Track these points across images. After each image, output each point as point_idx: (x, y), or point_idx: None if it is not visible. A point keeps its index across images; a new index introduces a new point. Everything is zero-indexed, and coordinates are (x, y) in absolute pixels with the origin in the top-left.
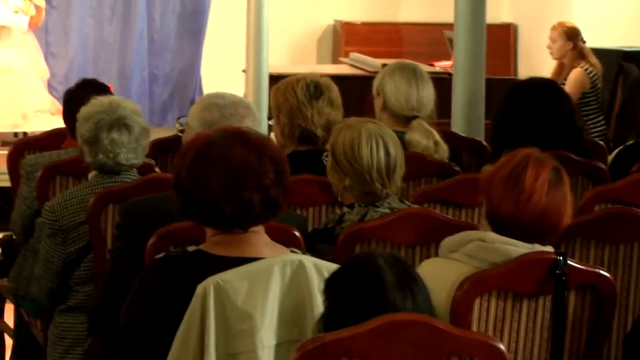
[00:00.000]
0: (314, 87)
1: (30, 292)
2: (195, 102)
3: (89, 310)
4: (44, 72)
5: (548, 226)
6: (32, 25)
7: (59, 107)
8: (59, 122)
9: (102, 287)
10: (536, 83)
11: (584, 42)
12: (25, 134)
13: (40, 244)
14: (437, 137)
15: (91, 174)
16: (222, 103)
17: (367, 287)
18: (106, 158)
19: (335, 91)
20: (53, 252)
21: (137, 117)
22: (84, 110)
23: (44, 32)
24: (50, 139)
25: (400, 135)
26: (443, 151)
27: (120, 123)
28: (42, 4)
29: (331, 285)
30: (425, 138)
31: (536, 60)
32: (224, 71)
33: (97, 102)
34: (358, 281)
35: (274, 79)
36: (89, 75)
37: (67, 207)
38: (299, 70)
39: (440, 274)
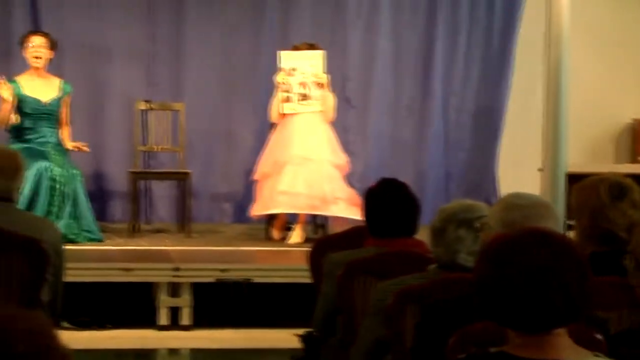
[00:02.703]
0: (617, 189)
1: None
2: (490, 201)
3: None
4: (344, 164)
5: None
6: (327, 120)
7: (357, 200)
8: (355, 213)
9: None
10: None
11: None
12: (324, 229)
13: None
14: None
15: (431, 267)
16: (523, 203)
17: None
18: (444, 253)
19: (638, 192)
20: (370, 330)
21: None
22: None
23: (343, 130)
24: (351, 238)
25: None
26: None
27: (471, 222)
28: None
29: None
30: None
31: None
32: (520, 170)
33: (460, 201)
34: None
35: (571, 178)
36: (385, 173)
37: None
38: (597, 169)
39: None
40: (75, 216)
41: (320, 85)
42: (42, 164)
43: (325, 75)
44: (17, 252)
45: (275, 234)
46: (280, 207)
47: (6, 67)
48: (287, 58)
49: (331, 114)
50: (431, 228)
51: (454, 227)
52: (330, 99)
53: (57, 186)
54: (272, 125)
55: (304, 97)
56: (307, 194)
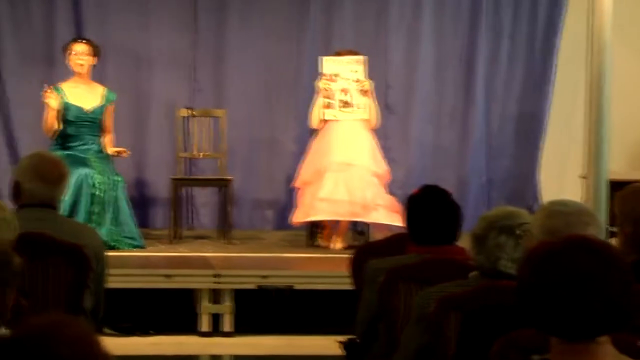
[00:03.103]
0: None
1: None
2: (532, 208)
3: None
4: (384, 172)
5: None
6: (370, 127)
7: (398, 207)
8: (396, 220)
9: None
10: None
11: None
12: (364, 235)
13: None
14: None
15: (472, 274)
16: (566, 211)
17: None
18: (486, 260)
19: None
20: (412, 337)
21: None
22: (488, 212)
23: (383, 137)
24: (392, 244)
25: None
26: None
27: (512, 229)
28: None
29: None
30: None
31: None
32: (562, 177)
33: (501, 208)
34: None
35: (614, 185)
36: (427, 180)
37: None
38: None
39: None
40: (117, 223)
41: (364, 92)
42: (83, 171)
43: (368, 82)
44: (61, 259)
45: (323, 242)
46: (320, 214)
47: (50, 74)
48: (329, 64)
49: (375, 121)
50: (472, 235)
51: (495, 234)
52: (375, 107)
53: (98, 193)
54: (313, 132)
55: (346, 104)
56: (348, 200)
